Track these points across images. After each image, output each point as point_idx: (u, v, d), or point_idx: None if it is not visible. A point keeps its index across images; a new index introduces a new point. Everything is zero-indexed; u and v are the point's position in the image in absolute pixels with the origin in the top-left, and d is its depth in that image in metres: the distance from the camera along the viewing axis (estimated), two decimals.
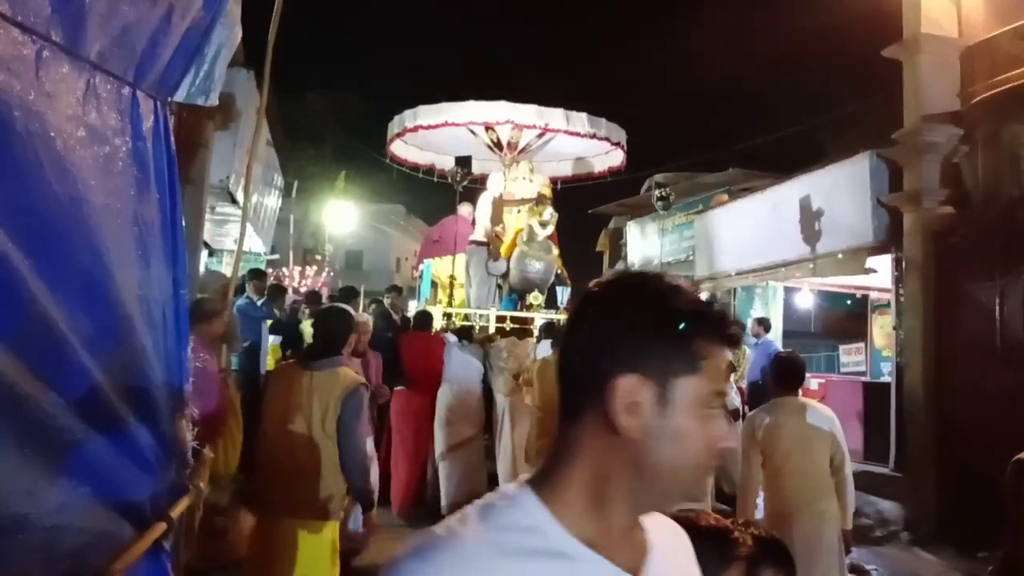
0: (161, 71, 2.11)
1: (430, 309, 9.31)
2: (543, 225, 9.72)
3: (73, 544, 1.79)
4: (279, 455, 3.40)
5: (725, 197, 13.50)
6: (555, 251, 10.16)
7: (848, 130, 14.48)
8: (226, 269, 12.24)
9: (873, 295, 12.19)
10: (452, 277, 10.35)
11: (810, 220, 9.69)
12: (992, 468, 6.54)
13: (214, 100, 2.37)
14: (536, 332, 8.09)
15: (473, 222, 10.69)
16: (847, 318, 17.07)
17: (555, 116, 10.81)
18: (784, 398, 4.08)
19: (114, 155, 1.97)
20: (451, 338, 7.41)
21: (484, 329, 8.93)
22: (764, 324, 10.14)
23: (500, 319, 9.11)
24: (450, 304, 10.19)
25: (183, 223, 2.27)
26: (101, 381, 1.93)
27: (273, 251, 18.73)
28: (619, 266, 18.62)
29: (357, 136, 28.61)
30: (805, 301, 13.94)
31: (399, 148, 12.45)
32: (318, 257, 26.07)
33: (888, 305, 10.43)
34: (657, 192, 10.48)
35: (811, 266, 9.92)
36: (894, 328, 8.61)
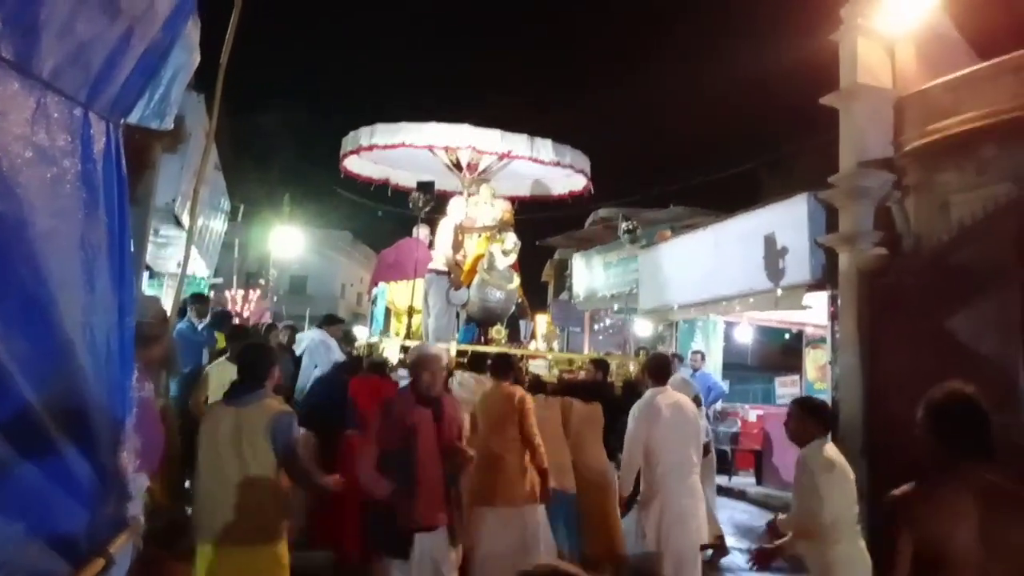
0: (115, 92, 2.06)
1: (386, 341, 8.91)
2: (505, 253, 9.31)
3: None
4: (216, 492, 3.53)
5: (668, 233, 13.76)
6: (516, 280, 9.80)
7: (785, 172, 15.01)
8: (167, 292, 11.93)
9: (808, 330, 12.55)
10: (411, 308, 9.83)
11: (750, 257, 9.94)
12: None
13: (168, 124, 2.33)
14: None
15: (430, 245, 10.30)
16: (783, 352, 17.54)
17: (519, 142, 10.49)
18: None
19: (62, 177, 1.91)
20: (403, 373, 6.86)
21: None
22: (702, 356, 10.43)
23: (461, 353, 8.44)
24: (408, 336, 9.68)
25: (132, 247, 2.21)
26: (39, 409, 1.85)
27: (216, 274, 18.33)
28: (563, 296, 18.77)
29: (305, 160, 28.31)
30: (744, 335, 14.28)
31: (352, 163, 12.00)
32: (261, 281, 25.60)
33: (822, 340, 10.76)
34: (624, 225, 10.24)
35: (751, 301, 10.18)
36: (829, 363, 8.86)
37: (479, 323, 9.73)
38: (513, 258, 9.45)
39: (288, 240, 25.38)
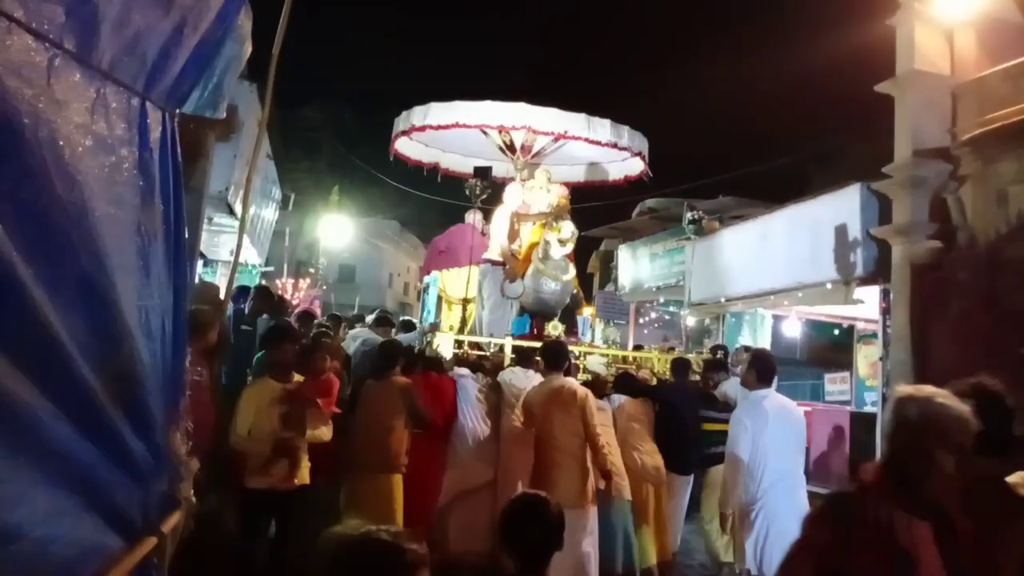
0: (171, 82, 2.12)
1: (440, 336, 8.44)
2: (561, 243, 8.71)
3: (63, 556, 1.77)
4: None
5: (717, 224, 13.59)
6: (572, 271, 9.25)
7: (836, 162, 14.66)
8: (220, 280, 12.20)
9: (859, 325, 12.26)
10: (466, 300, 9.41)
11: (799, 249, 9.77)
12: None
13: (221, 113, 2.38)
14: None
15: (483, 233, 9.87)
16: (833, 347, 17.16)
17: (576, 121, 9.97)
18: None
19: (120, 165, 1.97)
20: (461, 371, 6.65)
21: (499, 359, 7.75)
22: (746, 350, 10.14)
23: (517, 349, 7.89)
24: (462, 329, 9.20)
25: (186, 235, 2.27)
26: (97, 390, 1.92)
27: (268, 263, 18.68)
28: (609, 288, 18.68)
29: (353, 150, 28.68)
30: (792, 329, 14.02)
31: (403, 145, 11.57)
32: (311, 270, 26.03)
33: (874, 335, 10.50)
34: (689, 215, 9.68)
35: (799, 295, 9.99)
36: (880, 359, 8.67)
37: (532, 315, 9.27)
38: (570, 248, 8.93)
39: (337, 229, 25.71)
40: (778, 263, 10.27)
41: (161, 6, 1.94)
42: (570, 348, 8.03)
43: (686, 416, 6.61)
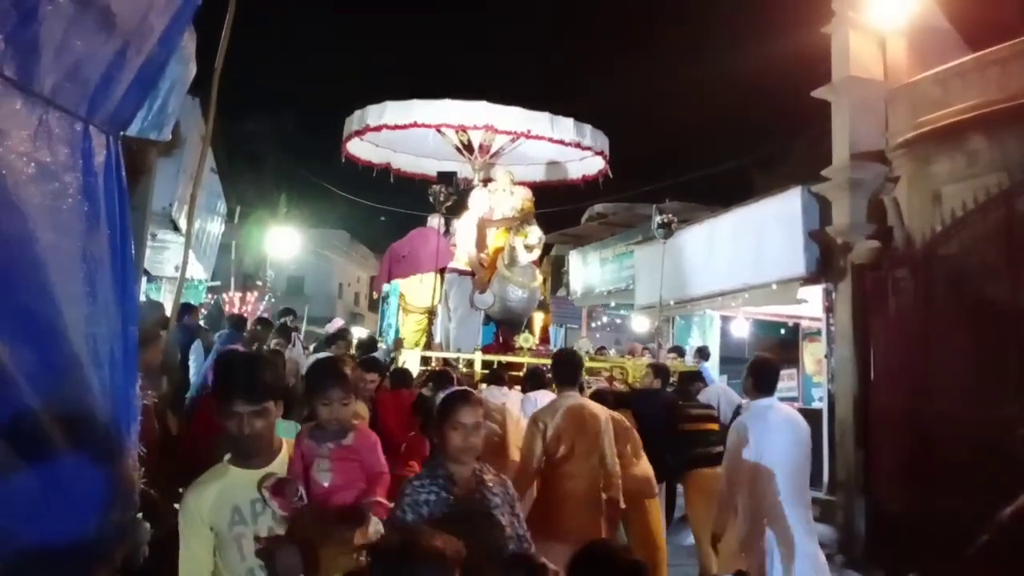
0: (114, 105, 2.09)
1: (405, 353, 8.02)
2: (528, 249, 8.28)
3: None
4: None
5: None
6: (540, 278, 8.90)
7: (777, 166, 15.04)
8: (166, 296, 11.94)
9: (804, 323, 12.60)
10: (431, 311, 8.69)
11: (745, 251, 10.00)
12: (918, 495, 6.84)
13: (167, 135, 2.36)
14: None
15: (448, 233, 9.32)
16: (779, 345, 17.55)
17: (539, 120, 9.56)
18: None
19: (64, 191, 1.94)
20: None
21: (468, 375, 7.33)
22: (703, 353, 10.39)
23: (487, 365, 7.47)
24: (429, 340, 8.66)
25: (133, 257, 2.24)
26: (46, 420, 1.89)
27: (214, 277, 18.34)
28: (560, 293, 18.82)
29: (299, 160, 28.32)
30: (740, 329, 14.32)
31: (355, 146, 11.05)
32: (259, 283, 25.61)
33: (818, 333, 10.82)
34: (659, 219, 9.45)
35: (746, 295, 10.24)
36: (825, 356, 8.93)
37: (498, 323, 8.88)
38: (537, 253, 8.53)
39: (285, 241, 25.37)
40: (725, 265, 10.50)
41: (103, 30, 1.92)
42: (544, 362, 7.82)
43: (659, 422, 6.15)
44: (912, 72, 8.16)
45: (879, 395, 7.53)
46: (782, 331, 15.22)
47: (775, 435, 4.16)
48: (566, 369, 4.77)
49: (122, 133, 2.26)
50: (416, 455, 4.97)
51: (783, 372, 14.23)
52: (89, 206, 2.04)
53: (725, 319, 12.98)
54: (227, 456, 2.44)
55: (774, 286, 9.36)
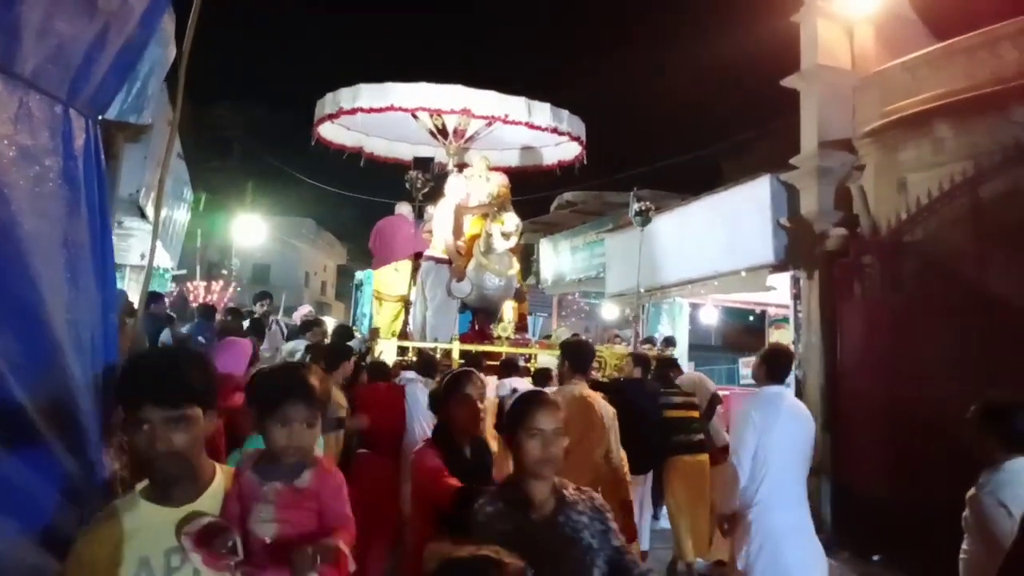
0: (94, 88, 2.05)
1: (381, 343, 7.88)
2: (505, 236, 8.10)
3: None
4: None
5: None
6: (516, 266, 8.68)
7: (746, 154, 15.20)
8: (128, 285, 11.72)
9: (771, 311, 12.79)
10: (405, 300, 8.59)
11: (714, 239, 10.10)
12: (883, 478, 6.99)
13: (146, 119, 2.32)
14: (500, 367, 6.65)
15: (413, 223, 9.18)
16: (747, 332, 17.84)
17: (516, 105, 9.38)
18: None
19: (45, 175, 1.91)
20: (409, 376, 6.14)
21: (446, 364, 7.13)
22: (670, 343, 10.48)
23: (464, 355, 7.43)
24: (406, 330, 8.56)
25: (113, 243, 2.21)
26: (28, 407, 1.86)
27: (179, 266, 18.05)
28: (530, 282, 18.86)
29: (266, 148, 27.93)
30: (709, 316, 14.52)
31: (327, 130, 10.81)
32: (224, 272, 25.26)
33: (785, 320, 10.99)
34: (636, 206, 9.32)
35: (715, 283, 10.35)
36: (792, 343, 9.07)
37: (474, 312, 8.79)
38: (514, 241, 8.35)
39: (250, 229, 25.02)
40: (694, 253, 10.60)
41: (85, 13, 1.88)
42: (523, 351, 7.98)
43: (646, 413, 6.12)
44: (880, 61, 8.27)
45: (846, 380, 7.67)
46: (750, 318, 15.47)
47: (780, 424, 4.11)
48: (579, 357, 4.57)
49: (101, 117, 2.22)
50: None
51: (750, 359, 14.57)
52: (70, 190, 2.01)
53: (694, 306, 13.12)
54: (139, 486, 1.80)
55: (743, 273, 9.47)
